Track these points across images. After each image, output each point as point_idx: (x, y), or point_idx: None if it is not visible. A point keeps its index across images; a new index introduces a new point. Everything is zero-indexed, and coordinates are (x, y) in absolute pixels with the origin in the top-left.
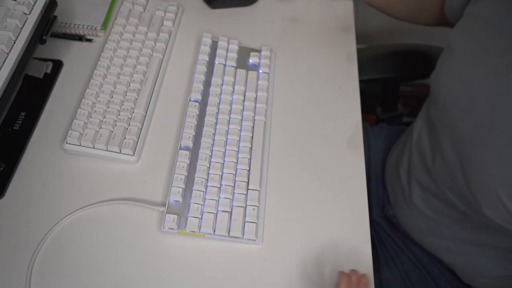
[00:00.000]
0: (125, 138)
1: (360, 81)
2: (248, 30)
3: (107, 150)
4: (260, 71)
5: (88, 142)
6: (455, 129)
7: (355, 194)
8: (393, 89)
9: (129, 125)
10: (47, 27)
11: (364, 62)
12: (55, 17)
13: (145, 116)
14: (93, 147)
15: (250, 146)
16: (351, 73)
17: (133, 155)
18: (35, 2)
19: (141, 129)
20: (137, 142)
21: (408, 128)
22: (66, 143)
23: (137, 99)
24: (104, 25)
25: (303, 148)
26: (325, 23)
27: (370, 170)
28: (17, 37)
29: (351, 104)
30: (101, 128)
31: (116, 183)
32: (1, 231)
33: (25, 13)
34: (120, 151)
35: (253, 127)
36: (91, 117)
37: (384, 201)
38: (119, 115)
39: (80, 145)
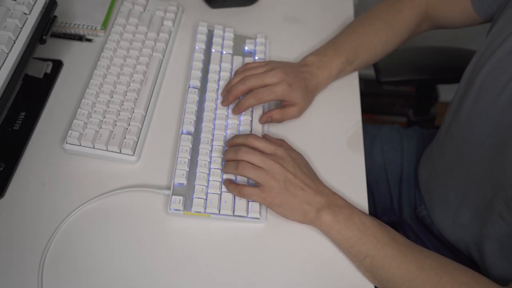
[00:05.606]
0: (125, 138)
1: (397, 82)
2: (248, 30)
3: (107, 150)
4: (256, 58)
5: (88, 142)
6: (500, 120)
7: (355, 194)
8: (428, 92)
9: (129, 125)
10: (47, 27)
11: (401, 63)
12: (55, 17)
13: (145, 116)
14: (93, 147)
15: (250, 129)
16: (351, 73)
17: (133, 155)
18: (35, 2)
19: (141, 129)
20: (137, 142)
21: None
22: (66, 143)
23: (137, 99)
24: (104, 25)
25: (303, 148)
26: (325, 23)
27: (402, 172)
28: (17, 37)
29: (351, 104)
30: (101, 128)
31: (117, 182)
32: (2, 231)
33: (25, 13)
34: (120, 151)
35: (252, 111)
36: (91, 117)
37: (416, 202)
38: (119, 115)
39: (80, 145)
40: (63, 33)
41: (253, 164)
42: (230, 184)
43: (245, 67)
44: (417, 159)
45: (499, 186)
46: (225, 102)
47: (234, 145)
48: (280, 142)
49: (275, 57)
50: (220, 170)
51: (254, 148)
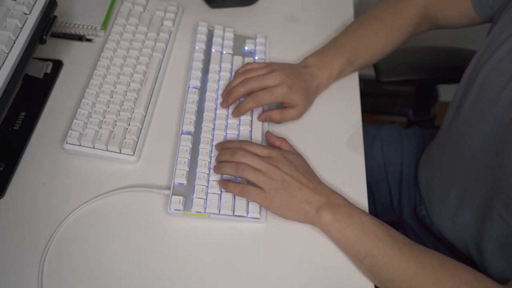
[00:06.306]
0: (125, 138)
1: (397, 82)
2: (248, 30)
3: (107, 150)
4: (256, 58)
5: (88, 142)
6: (500, 120)
7: (355, 194)
8: (428, 92)
9: (129, 125)
10: (47, 27)
11: (401, 63)
12: (55, 17)
13: (145, 116)
14: (93, 147)
15: (250, 129)
16: (351, 73)
17: (133, 155)
18: (35, 2)
19: (141, 129)
20: (137, 142)
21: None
22: (66, 143)
23: (137, 99)
24: (104, 25)
25: (303, 148)
26: (325, 23)
27: (402, 172)
28: (17, 37)
29: (351, 104)
30: (101, 128)
31: (117, 182)
32: (2, 231)
33: (25, 13)
34: (120, 151)
35: (251, 111)
36: (91, 117)
37: (416, 202)
38: (119, 115)
39: (80, 145)
40: (63, 33)
41: (250, 166)
42: (229, 183)
43: (245, 68)
44: (417, 159)
45: (499, 186)
46: (224, 104)
47: (227, 149)
48: (281, 142)
49: (275, 57)
50: None
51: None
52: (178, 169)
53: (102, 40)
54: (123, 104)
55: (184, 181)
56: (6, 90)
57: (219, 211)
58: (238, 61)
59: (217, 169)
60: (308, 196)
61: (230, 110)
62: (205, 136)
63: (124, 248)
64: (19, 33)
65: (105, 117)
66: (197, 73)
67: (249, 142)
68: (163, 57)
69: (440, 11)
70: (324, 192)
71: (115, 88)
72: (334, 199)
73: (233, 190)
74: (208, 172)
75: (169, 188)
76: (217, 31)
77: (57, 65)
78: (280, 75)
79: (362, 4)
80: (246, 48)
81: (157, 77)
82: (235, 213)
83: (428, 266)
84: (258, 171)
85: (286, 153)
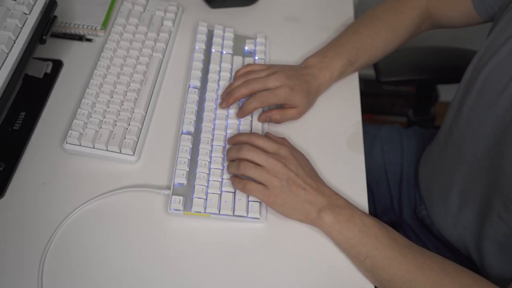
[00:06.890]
0: (125, 138)
1: (397, 82)
2: (248, 30)
3: (107, 150)
4: (256, 58)
5: (88, 142)
6: (500, 120)
7: (355, 194)
8: (428, 92)
9: (129, 125)
10: (47, 27)
11: (401, 63)
12: (55, 17)
13: (145, 116)
14: (93, 147)
15: (250, 129)
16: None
17: (133, 155)
18: (35, 2)
19: (141, 129)
20: (137, 142)
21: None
22: (66, 143)
23: (137, 99)
24: (104, 25)
25: (303, 148)
26: (325, 23)
27: (402, 172)
28: (17, 37)
29: (351, 104)
30: (101, 128)
31: (117, 182)
32: (2, 231)
33: (25, 13)
34: (120, 151)
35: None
36: (91, 117)
37: (416, 202)
38: (119, 115)
39: (80, 145)
40: (63, 33)
41: (255, 163)
42: (235, 179)
43: (246, 69)
44: (417, 159)
45: (499, 186)
46: (224, 104)
47: (237, 143)
48: (282, 141)
49: (275, 57)
50: (220, 170)
51: (257, 147)
52: (178, 169)
53: (102, 40)
54: (123, 104)
55: (184, 181)
56: (6, 90)
57: (219, 211)
58: (238, 61)
59: (227, 168)
60: (311, 196)
61: (231, 110)
62: (205, 136)
63: (124, 248)
64: (19, 33)
65: (105, 117)
66: (197, 73)
67: (258, 135)
68: (163, 57)
69: (441, 10)
70: (326, 193)
71: (115, 88)
72: (335, 201)
73: (237, 186)
74: (208, 172)
75: (169, 188)
76: (217, 31)
77: (57, 65)
78: (282, 76)
79: (362, 4)
80: (246, 48)
81: (157, 77)
82: (235, 213)
83: (428, 268)
84: (262, 168)
85: (293, 151)
